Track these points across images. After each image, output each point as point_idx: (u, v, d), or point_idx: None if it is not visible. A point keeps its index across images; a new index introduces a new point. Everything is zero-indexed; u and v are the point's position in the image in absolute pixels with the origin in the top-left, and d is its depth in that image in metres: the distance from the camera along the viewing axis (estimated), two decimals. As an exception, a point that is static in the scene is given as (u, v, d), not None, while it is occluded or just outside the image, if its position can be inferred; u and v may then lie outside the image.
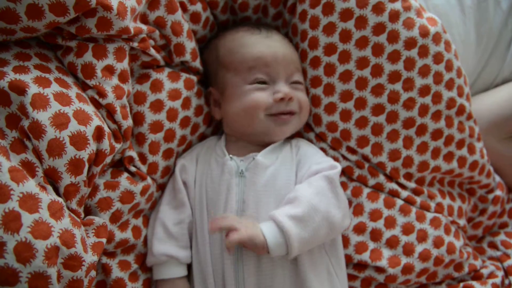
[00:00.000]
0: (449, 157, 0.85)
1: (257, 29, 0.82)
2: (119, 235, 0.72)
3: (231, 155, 0.78)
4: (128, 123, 0.72)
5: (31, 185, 0.56)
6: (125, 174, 0.74)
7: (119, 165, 0.76)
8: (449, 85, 0.83)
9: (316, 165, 0.76)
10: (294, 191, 0.71)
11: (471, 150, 0.87)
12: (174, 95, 0.79)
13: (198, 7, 0.83)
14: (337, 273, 0.76)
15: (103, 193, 0.70)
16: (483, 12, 1.03)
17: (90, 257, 0.60)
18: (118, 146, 0.70)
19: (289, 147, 0.82)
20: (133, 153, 0.76)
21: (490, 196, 0.93)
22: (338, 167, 0.76)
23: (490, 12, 1.03)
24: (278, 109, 0.78)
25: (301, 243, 0.66)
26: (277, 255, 0.67)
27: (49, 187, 0.59)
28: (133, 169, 0.76)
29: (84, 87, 0.68)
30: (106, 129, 0.66)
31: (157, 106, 0.77)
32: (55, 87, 0.62)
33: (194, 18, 0.83)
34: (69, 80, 0.66)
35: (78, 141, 0.61)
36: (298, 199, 0.69)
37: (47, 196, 0.57)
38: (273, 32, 0.83)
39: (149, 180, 0.77)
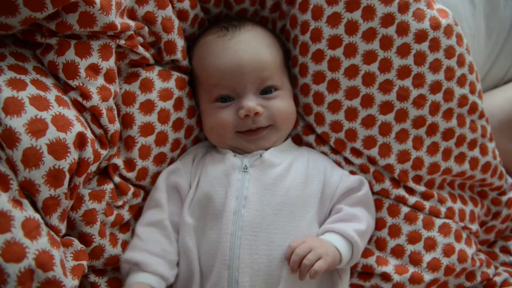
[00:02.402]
0: (460, 158, 0.77)
1: (225, 29, 0.73)
2: (109, 251, 0.64)
3: (235, 153, 0.71)
4: (115, 127, 0.63)
5: (2, 201, 0.48)
6: (111, 184, 0.66)
7: (106, 172, 0.67)
8: (461, 81, 0.74)
9: (347, 177, 0.74)
10: (345, 210, 0.70)
11: (484, 150, 0.79)
12: (165, 95, 0.71)
13: (186, 4, 0.73)
14: (341, 275, 0.70)
15: (88, 204, 0.62)
16: (494, 5, 0.94)
17: (70, 282, 0.52)
18: (104, 152, 0.62)
19: (299, 153, 0.75)
20: (118, 161, 0.67)
21: (504, 198, 0.84)
22: (366, 185, 0.75)
23: (500, 4, 0.95)
24: (245, 127, 0.70)
25: (359, 254, 0.70)
26: (340, 267, 0.68)
27: (25, 202, 0.51)
28: (117, 180, 0.67)
29: (66, 88, 0.60)
30: (89, 135, 0.58)
31: (147, 107, 0.69)
32: (31, 90, 0.54)
33: (182, 16, 0.74)
34: (48, 81, 0.58)
35: (57, 149, 0.53)
36: (357, 217, 0.70)
37: (21, 213, 0.49)
38: (243, 29, 0.72)
39: (129, 195, 0.69)
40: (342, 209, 0.70)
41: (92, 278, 0.64)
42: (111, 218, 0.66)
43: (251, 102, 0.69)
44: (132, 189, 0.69)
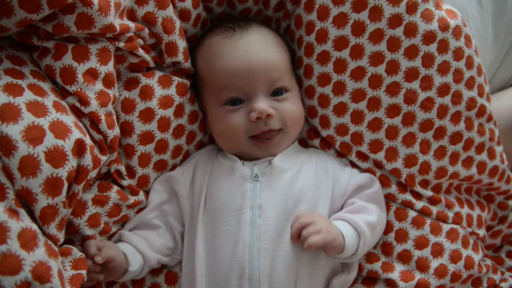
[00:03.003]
0: (468, 162, 0.74)
1: (232, 30, 0.70)
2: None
3: (242, 161, 0.69)
4: (114, 132, 0.61)
5: (-2, 211, 0.45)
6: (115, 188, 0.64)
7: (107, 177, 0.65)
8: (470, 84, 0.72)
9: (356, 174, 0.72)
10: (358, 203, 0.68)
11: (491, 154, 0.76)
12: (165, 102, 0.68)
13: (188, 4, 0.70)
14: (349, 270, 0.70)
15: (92, 209, 0.61)
16: (501, 5, 0.91)
17: (69, 293, 0.50)
18: (103, 158, 0.60)
19: (307, 155, 0.73)
20: (121, 168, 0.66)
21: (511, 203, 0.82)
22: (377, 181, 0.72)
23: (508, 4, 0.92)
24: (258, 129, 0.68)
25: (366, 248, 0.68)
26: (345, 256, 0.65)
27: (22, 211, 0.49)
28: (125, 183, 0.66)
29: (63, 93, 0.58)
30: (88, 142, 0.55)
31: (147, 115, 0.67)
32: (28, 96, 0.51)
33: (183, 15, 0.71)
34: (46, 86, 0.56)
35: (55, 157, 0.50)
36: (368, 209, 0.68)
37: (17, 224, 0.46)
38: (250, 30, 0.70)
39: (141, 195, 0.68)
40: (354, 202, 0.68)
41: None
42: (116, 218, 0.65)
43: (263, 104, 0.66)
44: (141, 190, 0.68)
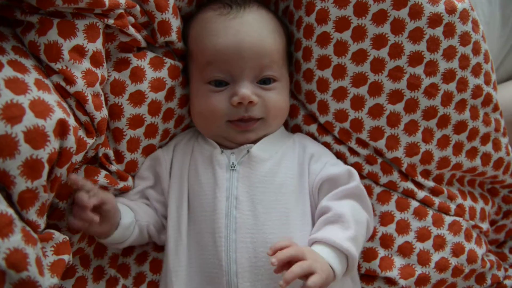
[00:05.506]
0: (472, 153, 0.70)
1: (228, 7, 0.65)
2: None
3: (222, 148, 0.64)
4: (102, 114, 0.57)
5: (-29, 195, 0.41)
6: (103, 173, 0.60)
7: (94, 161, 0.61)
8: (476, 70, 0.67)
9: (332, 166, 0.65)
10: (332, 209, 0.59)
11: (497, 146, 0.71)
12: (157, 85, 0.63)
13: (182, -19, 0.65)
14: (353, 278, 0.65)
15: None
16: (510, -10, 0.86)
17: (48, 280, 0.46)
18: (90, 141, 0.55)
19: (291, 142, 0.68)
20: (109, 152, 0.61)
21: (516, 196, 0.78)
22: (356, 176, 0.64)
23: (517, -11, 0.86)
24: (237, 115, 0.63)
25: (359, 252, 0.59)
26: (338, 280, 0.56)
27: (-1, 195, 0.44)
28: (113, 168, 0.61)
29: (48, 71, 0.53)
30: (71, 122, 0.51)
31: (137, 98, 0.62)
32: (7, 72, 0.47)
33: None
34: (28, 63, 0.51)
35: (35, 137, 0.46)
36: (343, 218, 0.58)
37: (-8, 208, 0.42)
38: (247, 10, 0.65)
39: (130, 181, 0.63)
40: (330, 209, 0.59)
41: (80, 271, 0.59)
42: None
43: (246, 90, 0.61)
44: (130, 176, 0.65)
